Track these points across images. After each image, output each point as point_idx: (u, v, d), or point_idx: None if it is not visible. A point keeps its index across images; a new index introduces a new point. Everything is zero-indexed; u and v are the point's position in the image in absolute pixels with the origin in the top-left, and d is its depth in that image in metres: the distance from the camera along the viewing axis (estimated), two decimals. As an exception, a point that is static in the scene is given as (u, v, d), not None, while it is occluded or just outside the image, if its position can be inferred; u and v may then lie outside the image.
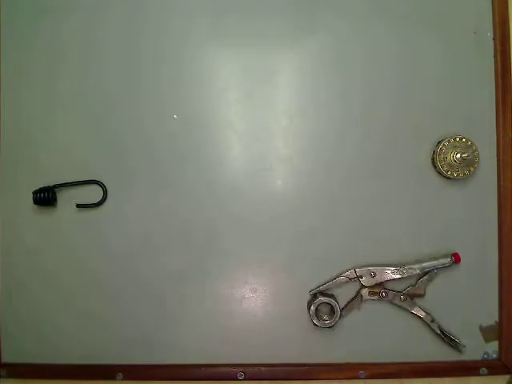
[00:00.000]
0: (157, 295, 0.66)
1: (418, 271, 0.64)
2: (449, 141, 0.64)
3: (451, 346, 0.65)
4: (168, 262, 0.66)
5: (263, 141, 0.67)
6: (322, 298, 0.64)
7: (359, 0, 0.67)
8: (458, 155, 0.63)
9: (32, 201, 0.65)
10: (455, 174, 0.64)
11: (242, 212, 0.66)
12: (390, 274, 0.65)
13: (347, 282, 0.65)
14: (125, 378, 0.65)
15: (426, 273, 0.64)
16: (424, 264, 0.64)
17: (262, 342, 0.66)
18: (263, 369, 0.65)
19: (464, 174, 0.64)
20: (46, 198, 0.65)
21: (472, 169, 0.64)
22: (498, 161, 0.66)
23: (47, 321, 0.67)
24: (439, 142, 0.65)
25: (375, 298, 0.65)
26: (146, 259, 0.66)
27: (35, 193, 0.65)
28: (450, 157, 0.63)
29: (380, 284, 0.65)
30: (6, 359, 0.67)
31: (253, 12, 0.67)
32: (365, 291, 0.65)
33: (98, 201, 0.66)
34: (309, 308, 0.65)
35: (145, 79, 0.67)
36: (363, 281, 0.65)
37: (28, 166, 0.68)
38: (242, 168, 0.67)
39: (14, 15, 0.68)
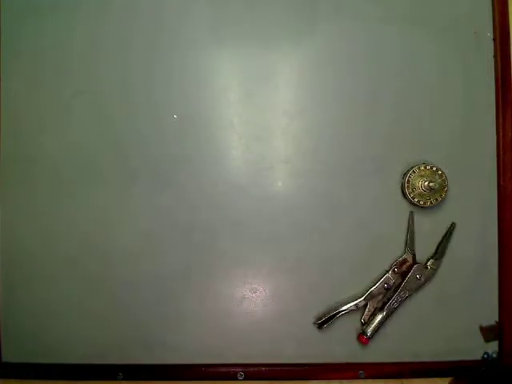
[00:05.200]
0: (157, 295, 0.66)
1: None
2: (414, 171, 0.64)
3: None
4: (168, 262, 0.66)
5: (263, 141, 0.67)
6: None
7: (359, 1, 0.67)
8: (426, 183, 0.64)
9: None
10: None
11: (242, 212, 0.66)
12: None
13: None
14: (125, 378, 0.65)
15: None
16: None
17: (262, 342, 0.66)
18: (263, 369, 0.65)
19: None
20: None
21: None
22: (498, 161, 0.66)
23: (47, 320, 0.67)
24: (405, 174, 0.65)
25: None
26: (146, 259, 0.66)
27: None
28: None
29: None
30: (6, 359, 0.67)
31: (253, 11, 0.67)
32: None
33: None
34: None
35: (144, 79, 0.67)
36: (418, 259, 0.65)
37: (28, 167, 0.67)
38: (241, 168, 0.67)
39: (13, 15, 0.68)
